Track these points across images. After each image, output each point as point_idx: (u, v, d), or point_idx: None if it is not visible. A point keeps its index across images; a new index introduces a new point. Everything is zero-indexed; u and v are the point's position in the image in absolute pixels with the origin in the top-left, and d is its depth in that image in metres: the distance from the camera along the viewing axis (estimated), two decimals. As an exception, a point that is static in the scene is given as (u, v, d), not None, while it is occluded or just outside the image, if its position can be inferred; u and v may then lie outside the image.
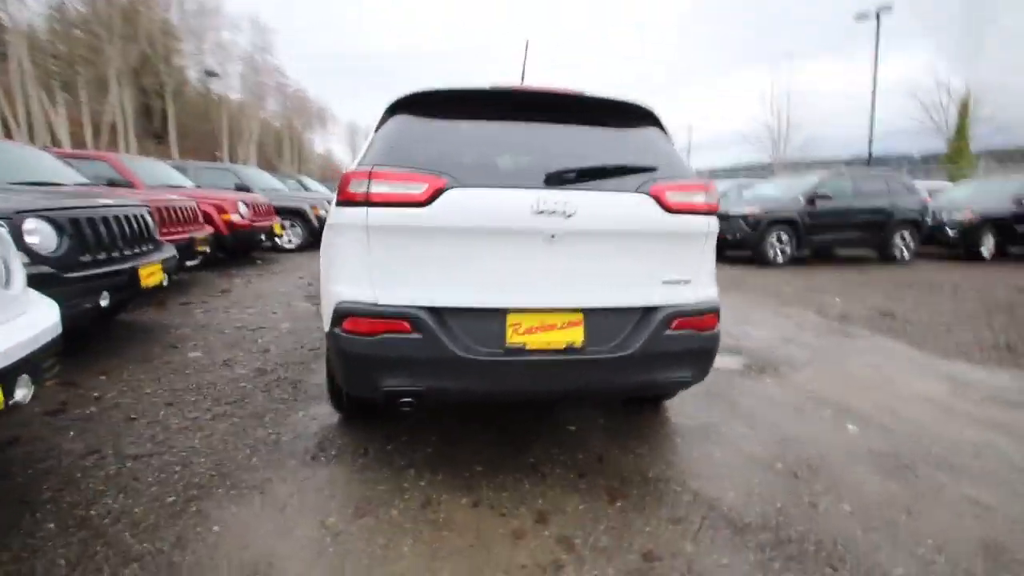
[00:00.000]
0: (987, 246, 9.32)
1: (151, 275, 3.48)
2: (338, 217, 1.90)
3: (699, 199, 1.99)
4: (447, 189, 1.80)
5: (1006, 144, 27.76)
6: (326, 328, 1.92)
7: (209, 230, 6.04)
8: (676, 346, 1.96)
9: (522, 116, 2.09)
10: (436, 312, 1.81)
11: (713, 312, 2.05)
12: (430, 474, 2.07)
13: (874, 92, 21.82)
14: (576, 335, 1.90)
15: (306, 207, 9.25)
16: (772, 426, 2.57)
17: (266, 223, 7.72)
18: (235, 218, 6.95)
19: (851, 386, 3.11)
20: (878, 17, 22.54)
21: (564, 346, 1.89)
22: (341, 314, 1.85)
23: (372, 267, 1.83)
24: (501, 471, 2.10)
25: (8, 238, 1.95)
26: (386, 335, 1.80)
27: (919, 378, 3.30)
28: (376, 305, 1.81)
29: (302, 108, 59.45)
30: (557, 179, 1.88)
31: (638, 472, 2.13)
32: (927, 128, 29.56)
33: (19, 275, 1.91)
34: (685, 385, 2.12)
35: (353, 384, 1.96)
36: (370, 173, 1.82)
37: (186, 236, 5.33)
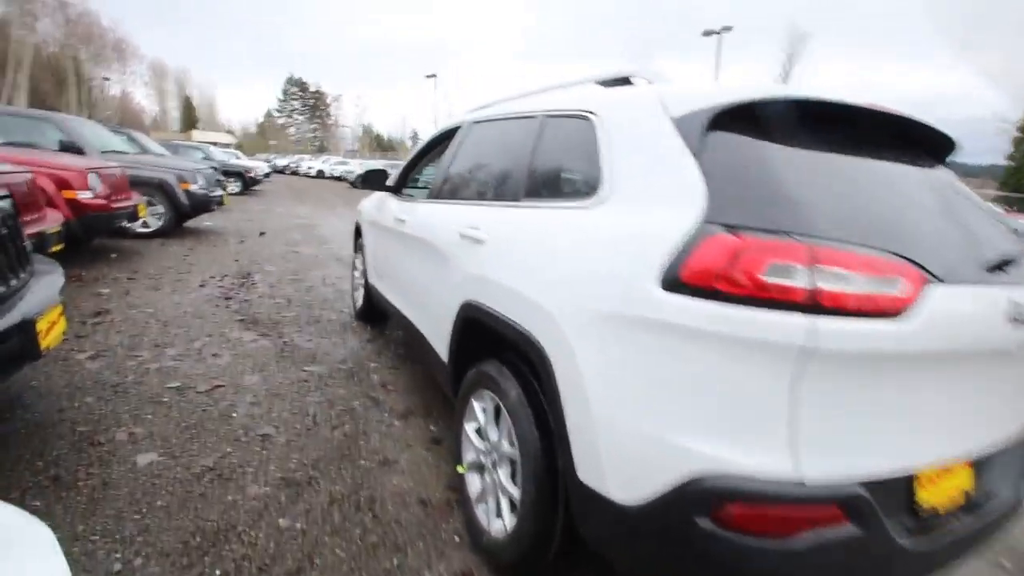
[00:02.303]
0: None
1: (52, 328, 2.00)
2: (713, 323, 1.05)
3: None
4: (928, 285, 1.07)
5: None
6: (624, 500, 1.10)
7: (58, 218, 4.07)
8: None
9: (903, 154, 1.41)
10: (881, 487, 1.09)
11: None
12: None
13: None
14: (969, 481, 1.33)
15: (171, 179, 7.04)
16: None
17: (126, 203, 5.62)
18: (85, 196, 4.88)
19: None
20: (719, 33, 25.84)
21: (963, 497, 1.31)
22: (714, 496, 1.03)
23: (800, 419, 1.02)
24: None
25: None
26: (813, 532, 1.03)
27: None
28: (801, 484, 1.02)
29: (91, 35, 47.82)
30: (1001, 264, 1.27)
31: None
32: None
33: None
34: None
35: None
36: (811, 252, 1.01)
37: (33, 233, 3.47)
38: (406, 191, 3.50)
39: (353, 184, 25.73)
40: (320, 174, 34.34)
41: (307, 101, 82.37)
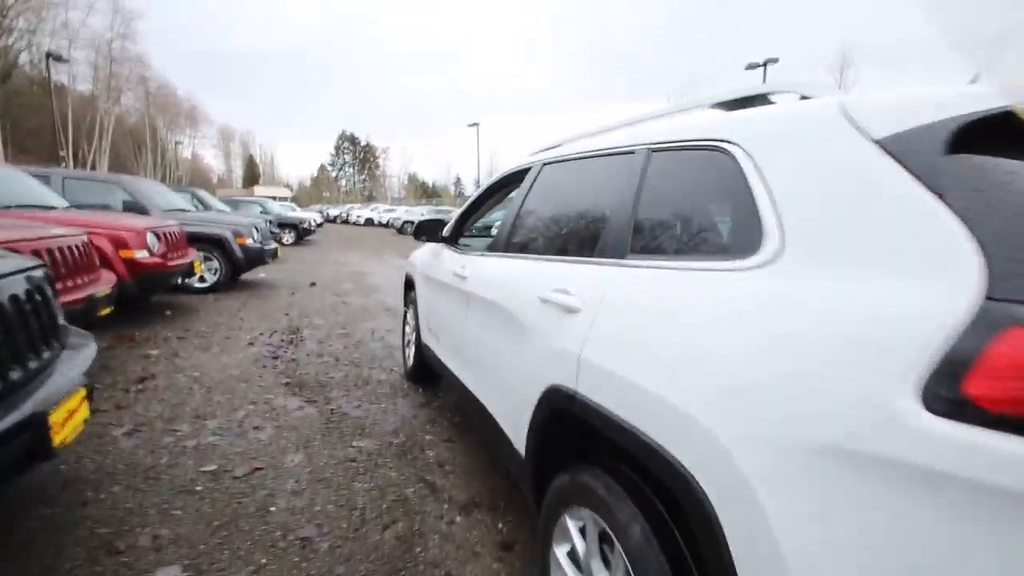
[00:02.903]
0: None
1: (70, 417, 1.73)
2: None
3: None
4: None
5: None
6: None
7: (111, 279, 4.00)
8: None
9: None
10: None
11: None
12: None
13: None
14: None
15: (228, 234, 7.12)
16: None
17: (183, 260, 5.62)
18: (142, 255, 4.87)
19: None
20: (765, 66, 25.30)
21: None
22: None
23: None
24: None
25: None
26: None
27: None
28: None
29: (168, 105, 52.45)
30: None
31: None
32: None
33: None
34: None
35: None
36: None
37: (82, 297, 3.36)
38: (463, 242, 3.19)
39: (400, 231, 26.29)
40: (369, 222, 35.48)
41: (357, 154, 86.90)
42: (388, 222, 31.04)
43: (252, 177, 76.52)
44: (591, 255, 1.54)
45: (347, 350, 4.58)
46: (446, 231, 3.16)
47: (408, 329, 3.98)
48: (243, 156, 79.38)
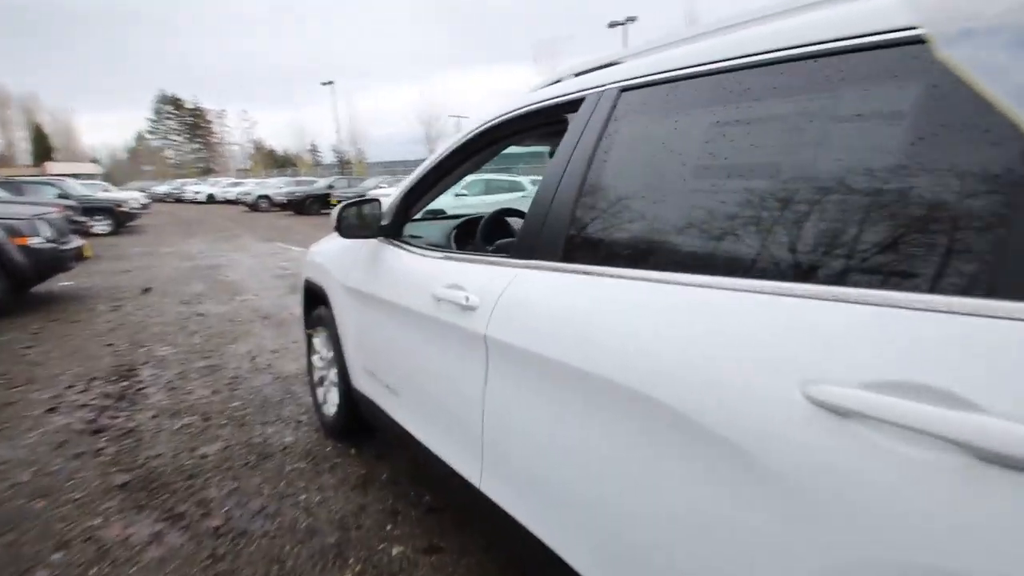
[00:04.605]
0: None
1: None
2: None
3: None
4: None
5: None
6: None
7: None
8: None
9: None
10: None
11: None
12: None
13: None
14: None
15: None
16: None
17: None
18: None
19: None
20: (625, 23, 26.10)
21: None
22: None
23: None
24: None
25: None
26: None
27: None
28: None
29: None
30: None
31: None
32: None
33: None
34: None
35: None
36: None
37: None
38: (411, 231, 2.03)
39: (253, 207, 22.76)
40: (211, 199, 30.66)
41: (184, 120, 74.59)
42: (236, 198, 26.92)
43: (43, 152, 61.91)
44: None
45: (219, 397, 3.13)
46: (386, 218, 1.95)
47: (319, 362, 2.70)
48: (28, 126, 63.65)
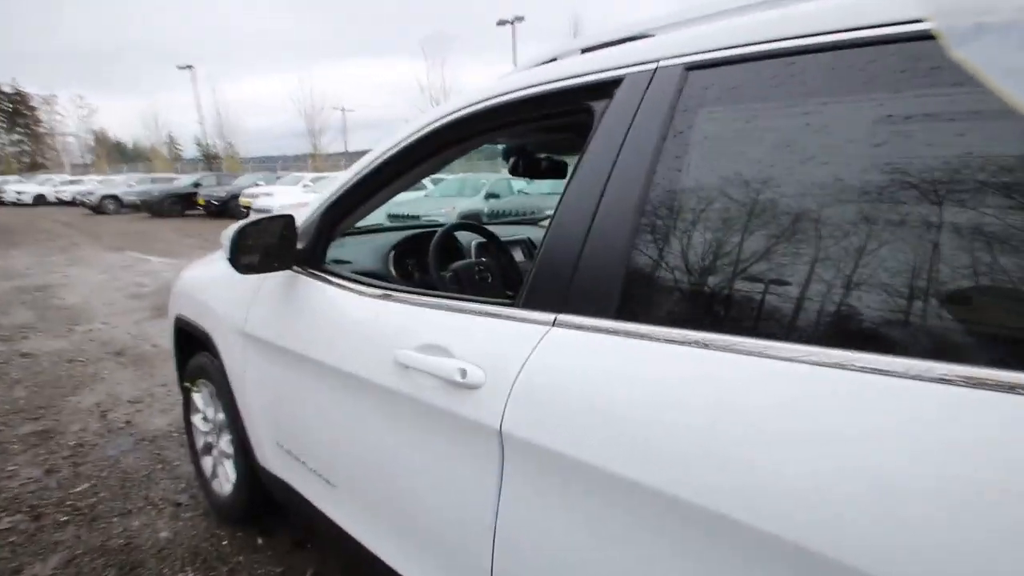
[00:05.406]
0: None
1: None
2: None
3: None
4: None
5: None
6: None
7: None
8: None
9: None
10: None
11: None
12: None
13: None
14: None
15: None
16: None
17: None
18: None
19: None
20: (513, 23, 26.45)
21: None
22: None
23: None
24: None
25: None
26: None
27: None
28: None
29: None
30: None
31: None
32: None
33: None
34: None
35: None
36: None
37: None
38: (355, 265, 1.52)
39: (98, 209, 19.33)
40: (41, 200, 25.80)
41: (1, 106, 62.31)
42: (75, 198, 22.87)
43: None
44: None
45: (55, 479, 2.30)
46: (301, 239, 1.42)
47: (203, 424, 2.04)
48: None
